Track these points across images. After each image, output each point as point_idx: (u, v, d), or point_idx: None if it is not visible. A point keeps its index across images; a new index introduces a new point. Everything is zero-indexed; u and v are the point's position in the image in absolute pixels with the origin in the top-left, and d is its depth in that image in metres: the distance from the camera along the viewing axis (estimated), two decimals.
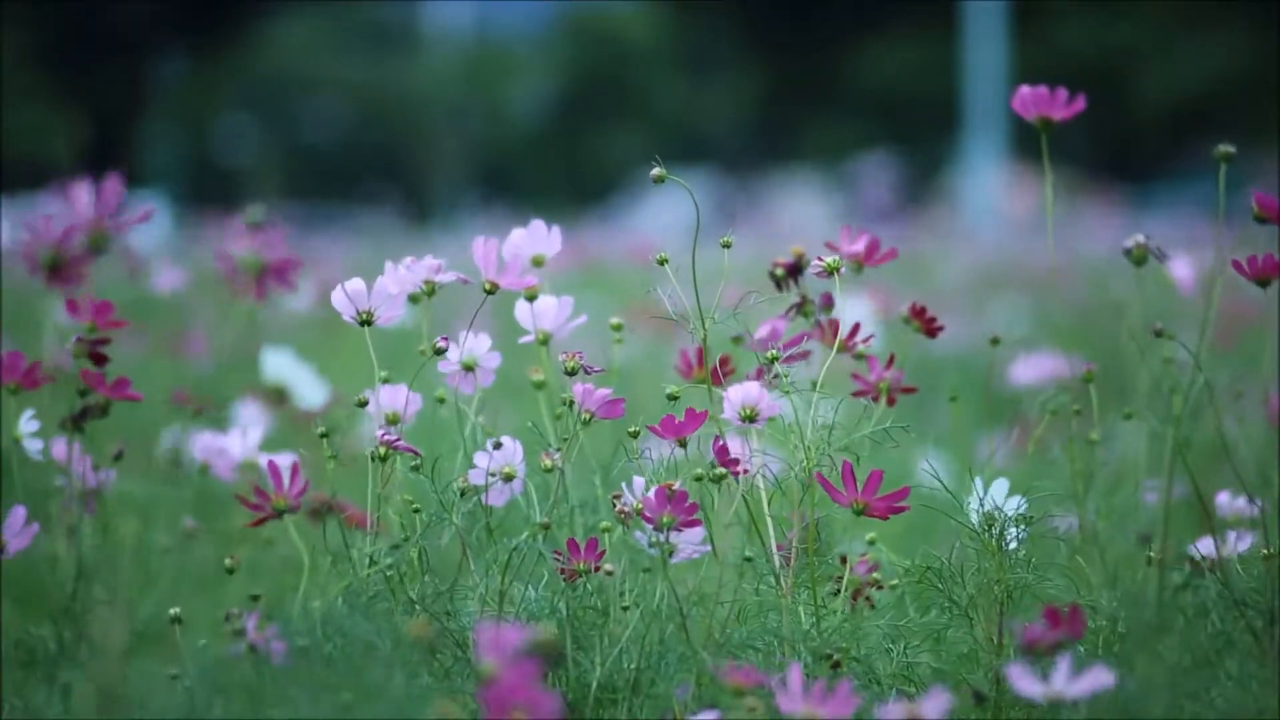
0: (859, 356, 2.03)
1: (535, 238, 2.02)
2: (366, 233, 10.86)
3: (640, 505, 1.83)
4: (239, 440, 2.33)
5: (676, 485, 1.83)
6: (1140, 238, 2.05)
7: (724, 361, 2.00)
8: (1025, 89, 2.04)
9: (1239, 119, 20.10)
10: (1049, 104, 2.05)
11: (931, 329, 2.06)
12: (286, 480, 1.90)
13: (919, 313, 2.07)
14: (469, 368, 1.96)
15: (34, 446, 1.98)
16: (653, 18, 23.59)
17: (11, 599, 2.03)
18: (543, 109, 23.23)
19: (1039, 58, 20.44)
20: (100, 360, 1.97)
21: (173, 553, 2.38)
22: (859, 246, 2.06)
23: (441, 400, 1.99)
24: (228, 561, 1.93)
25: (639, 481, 1.87)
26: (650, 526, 1.82)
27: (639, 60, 23.16)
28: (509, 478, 1.89)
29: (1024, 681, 1.65)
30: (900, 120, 21.94)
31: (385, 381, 1.91)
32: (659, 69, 23.30)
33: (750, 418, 1.88)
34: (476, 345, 1.96)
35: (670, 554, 1.84)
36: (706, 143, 22.13)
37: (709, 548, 1.88)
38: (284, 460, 2.25)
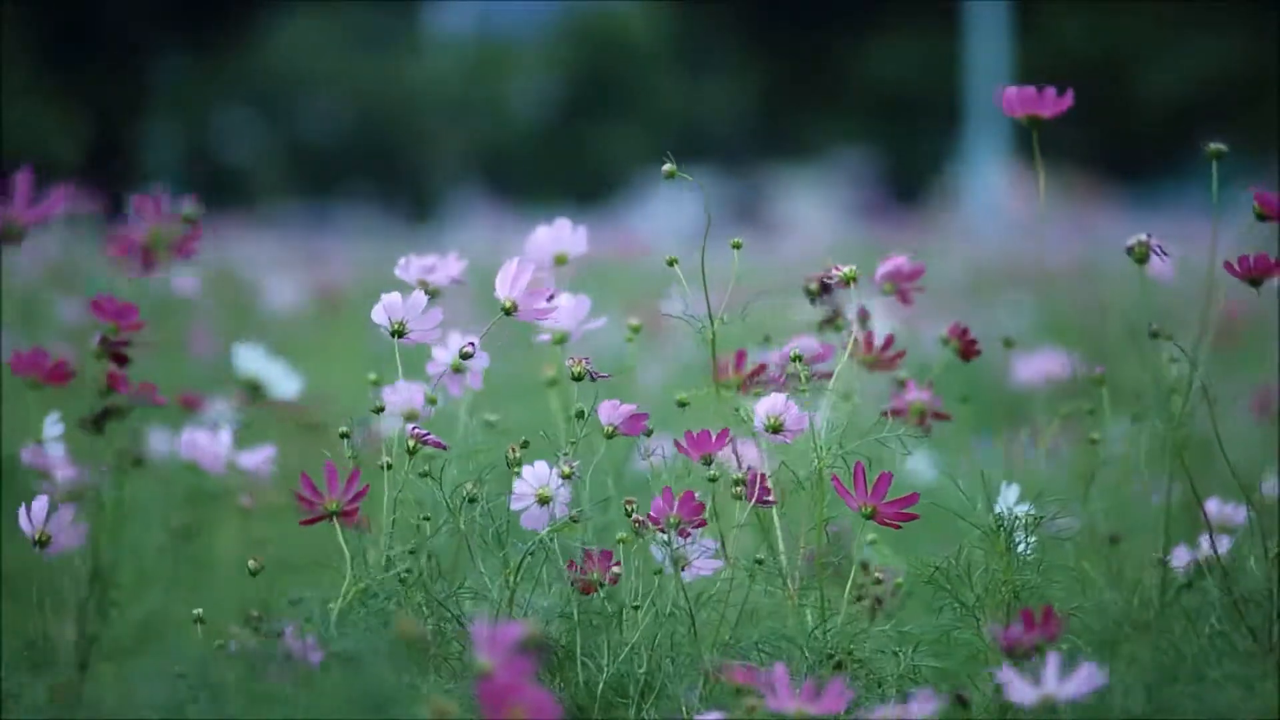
0: (876, 364, 2.03)
1: (560, 236, 2.02)
2: (368, 232, 10.83)
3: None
4: (209, 438, 2.33)
5: (697, 495, 1.82)
6: (1143, 236, 2.04)
7: (759, 369, 1.99)
8: (1011, 89, 2.04)
9: (1240, 117, 20.07)
10: (1037, 103, 2.05)
11: (970, 350, 2.05)
12: (341, 483, 1.84)
13: (960, 334, 2.06)
14: (457, 369, 1.96)
15: (57, 451, 1.98)
16: (653, 16, 23.55)
17: (15, 601, 2.02)
18: (544, 107, 23.21)
19: (1040, 56, 20.43)
20: (122, 361, 1.97)
21: (166, 550, 2.37)
22: (889, 268, 2.07)
23: (433, 401, 1.98)
24: (251, 563, 1.90)
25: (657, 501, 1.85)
26: (660, 531, 1.82)
27: (640, 59, 23.13)
28: (544, 501, 1.86)
29: (1015, 686, 1.64)
30: (902, 118, 21.91)
31: (376, 384, 1.92)
32: (660, 67, 23.27)
33: (775, 429, 1.88)
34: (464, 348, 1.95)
35: (683, 564, 1.83)
36: (708, 141, 22.10)
37: (721, 563, 1.87)
38: (261, 454, 2.24)
